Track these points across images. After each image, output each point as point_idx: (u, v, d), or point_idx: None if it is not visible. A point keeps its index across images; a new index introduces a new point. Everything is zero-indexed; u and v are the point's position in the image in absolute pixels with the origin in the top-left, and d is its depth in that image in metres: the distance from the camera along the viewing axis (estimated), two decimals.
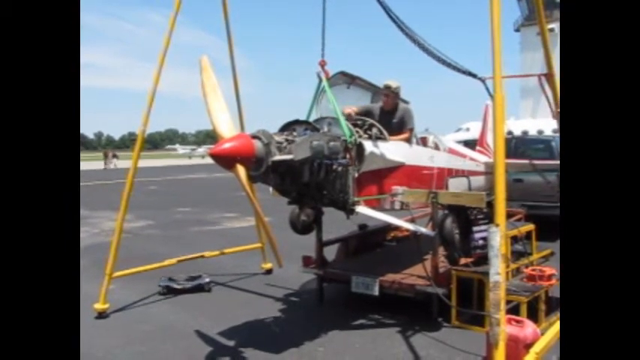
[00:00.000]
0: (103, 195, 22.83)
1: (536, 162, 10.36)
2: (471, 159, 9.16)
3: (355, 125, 6.25)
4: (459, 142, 16.36)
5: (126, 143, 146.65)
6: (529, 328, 5.21)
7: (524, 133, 26.50)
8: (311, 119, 6.17)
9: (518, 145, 13.38)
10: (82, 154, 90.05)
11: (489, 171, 8.87)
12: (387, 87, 6.83)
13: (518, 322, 5.31)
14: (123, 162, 56.11)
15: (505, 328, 3.76)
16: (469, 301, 6.34)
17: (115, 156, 58.54)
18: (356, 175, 5.79)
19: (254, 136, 5.03)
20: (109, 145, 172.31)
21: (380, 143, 6.22)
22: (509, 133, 20.14)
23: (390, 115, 6.78)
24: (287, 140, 5.23)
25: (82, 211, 18.45)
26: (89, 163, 56.01)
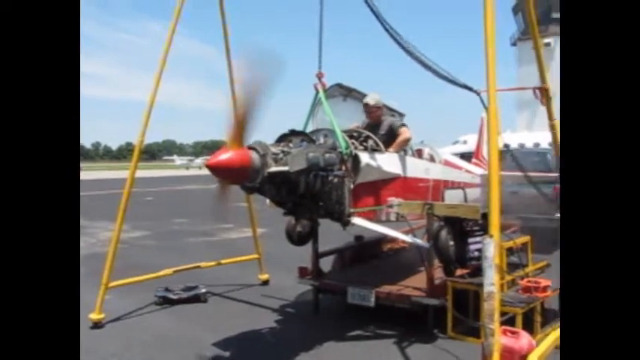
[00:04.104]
0: (99, 205, 22.84)
1: (531, 174, 10.39)
2: (467, 171, 9.22)
3: (351, 137, 6.30)
4: (456, 154, 16.42)
5: (123, 153, 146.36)
6: (524, 339, 5.21)
7: (521, 146, 26.62)
8: (307, 131, 6.21)
9: (514, 158, 13.41)
10: (81, 165, 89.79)
11: (485, 183, 8.91)
12: (366, 105, 6.92)
13: (513, 333, 5.32)
14: (88, 173, 54.73)
15: (499, 339, 3.78)
16: (465, 313, 6.34)
17: None
18: (352, 186, 5.81)
19: (250, 147, 5.05)
20: (106, 156, 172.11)
21: (376, 155, 6.26)
22: (506, 146, 20.17)
23: (376, 128, 6.83)
24: (283, 152, 5.26)
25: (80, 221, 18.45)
26: (86, 173, 55.85)
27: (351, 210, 5.80)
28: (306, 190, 5.33)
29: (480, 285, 5.15)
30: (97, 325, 6.96)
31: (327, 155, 5.43)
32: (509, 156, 13.04)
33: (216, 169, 4.75)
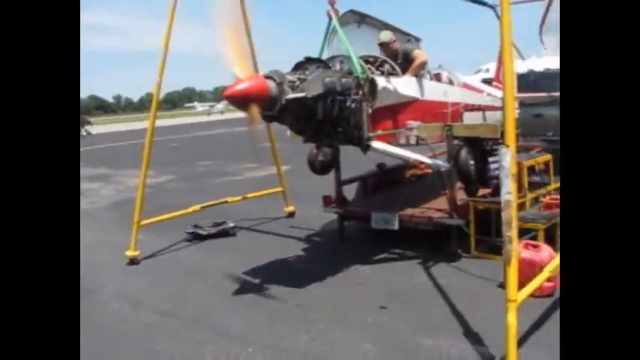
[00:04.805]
0: (124, 155, 23.29)
1: (555, 94, 10.22)
2: (489, 94, 9.10)
3: (367, 62, 6.27)
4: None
5: (145, 104, 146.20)
6: (545, 252, 5.31)
7: (546, 70, 25.87)
8: (323, 58, 6.18)
9: (537, 80, 13.18)
10: (103, 118, 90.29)
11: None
12: (381, 45, 6.88)
13: (535, 246, 5.42)
14: (100, 127, 53.76)
15: (517, 246, 3.85)
16: (488, 232, 6.42)
17: (88, 122, 47.37)
18: (370, 110, 5.83)
19: (267, 76, 5.10)
20: (128, 108, 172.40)
21: (392, 79, 6.24)
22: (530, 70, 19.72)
23: (394, 60, 6.76)
24: (299, 79, 5.29)
25: (105, 171, 18.83)
26: (109, 126, 56.22)
27: (370, 134, 5.85)
28: (324, 116, 5.37)
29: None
30: (132, 261, 7.27)
31: (344, 80, 5.45)
32: (531, 78, 12.83)
33: (233, 99, 4.83)
